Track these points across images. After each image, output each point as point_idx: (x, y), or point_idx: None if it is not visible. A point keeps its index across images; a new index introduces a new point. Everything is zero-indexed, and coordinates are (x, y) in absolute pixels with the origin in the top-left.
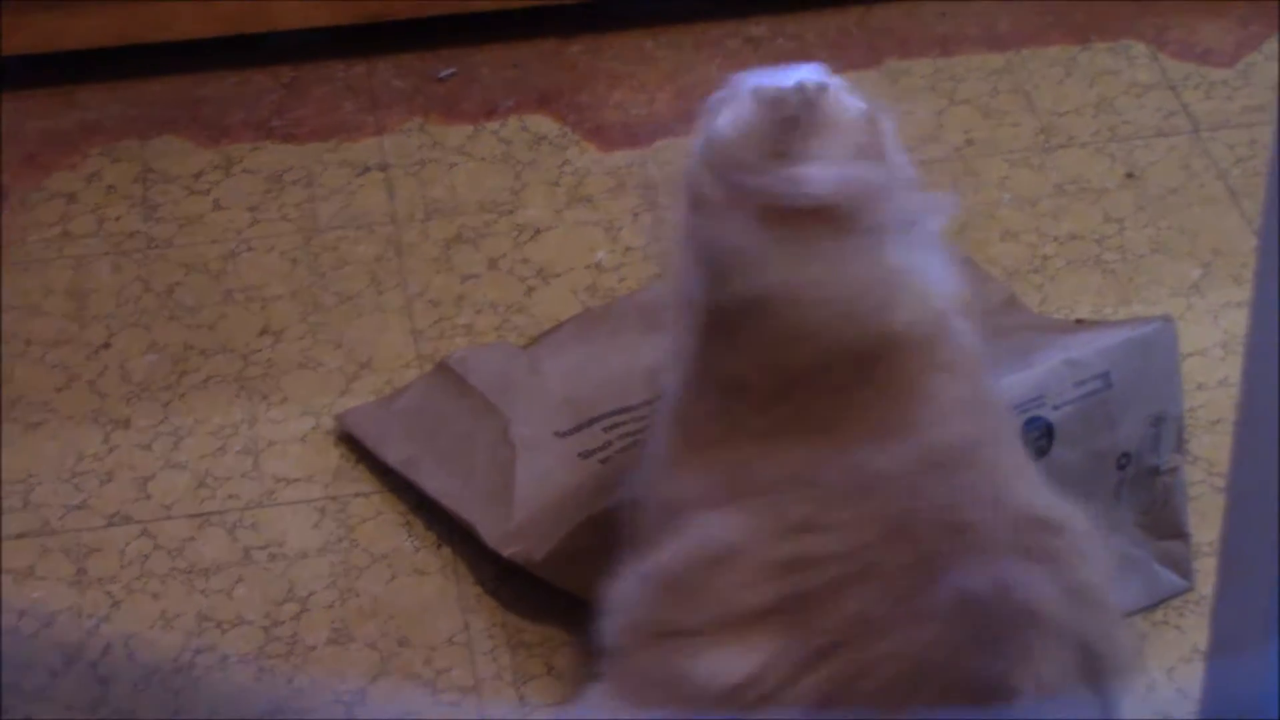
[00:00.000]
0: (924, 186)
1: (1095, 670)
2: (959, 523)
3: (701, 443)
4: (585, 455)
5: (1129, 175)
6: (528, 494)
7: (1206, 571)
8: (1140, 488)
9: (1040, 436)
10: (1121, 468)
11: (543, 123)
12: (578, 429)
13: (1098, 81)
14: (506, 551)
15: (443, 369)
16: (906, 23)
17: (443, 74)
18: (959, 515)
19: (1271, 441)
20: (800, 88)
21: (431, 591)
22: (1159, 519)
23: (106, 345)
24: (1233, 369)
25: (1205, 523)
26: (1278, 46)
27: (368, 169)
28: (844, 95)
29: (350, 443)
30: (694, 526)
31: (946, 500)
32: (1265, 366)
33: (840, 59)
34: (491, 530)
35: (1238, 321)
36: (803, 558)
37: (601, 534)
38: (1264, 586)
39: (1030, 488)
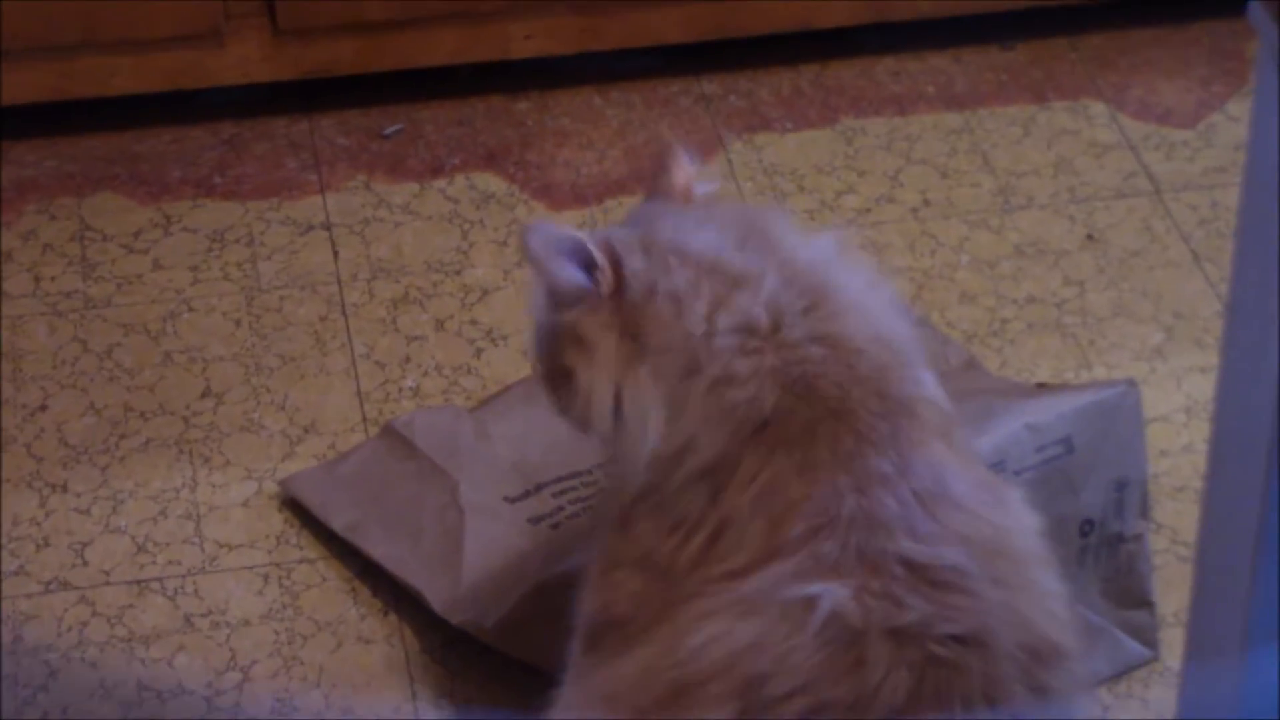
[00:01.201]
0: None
1: None
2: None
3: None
4: (535, 521)
5: (1089, 237)
6: (477, 560)
7: (1171, 642)
8: (1104, 555)
9: None
10: (1085, 534)
11: (490, 181)
12: (527, 494)
13: (1056, 141)
14: (456, 619)
15: (389, 432)
16: (861, 81)
17: (388, 131)
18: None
19: (1241, 510)
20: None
21: (378, 660)
22: (1123, 587)
23: (43, 407)
24: (1197, 435)
25: (1170, 591)
26: (1248, 105)
27: (311, 227)
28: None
29: (294, 508)
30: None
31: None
32: (1233, 432)
33: (794, 117)
34: (440, 597)
35: (1201, 387)
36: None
37: (552, 601)
38: (1233, 660)
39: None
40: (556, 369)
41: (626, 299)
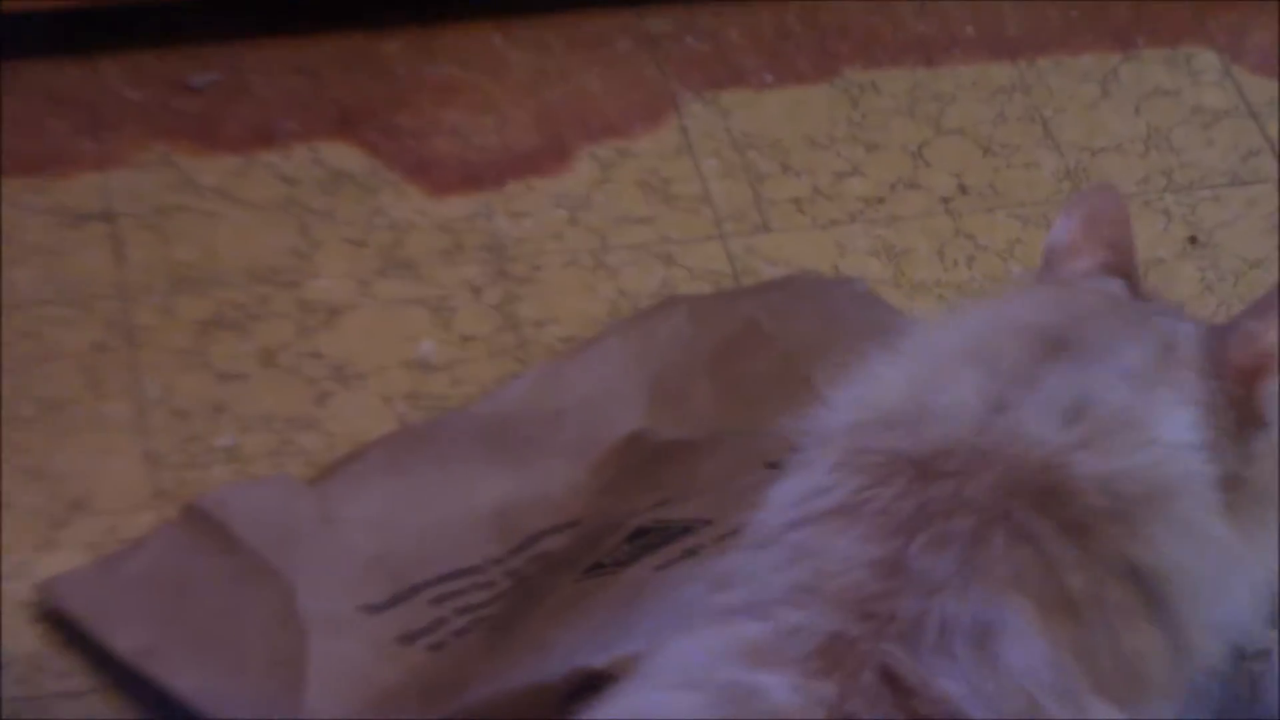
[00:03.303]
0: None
1: None
2: None
3: None
4: (407, 640)
5: (1193, 240)
6: (324, 696)
7: None
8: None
9: None
10: None
11: (344, 154)
12: (395, 602)
13: (1148, 105)
14: None
15: (195, 514)
16: (873, 18)
17: (197, 82)
18: None
19: None
20: None
21: None
22: (1248, 716)
23: None
24: None
25: None
26: None
27: (85, 218)
28: None
29: (57, 621)
30: None
31: None
32: None
33: (776, 67)
34: None
35: None
36: None
37: None
38: None
39: None
40: None
41: None
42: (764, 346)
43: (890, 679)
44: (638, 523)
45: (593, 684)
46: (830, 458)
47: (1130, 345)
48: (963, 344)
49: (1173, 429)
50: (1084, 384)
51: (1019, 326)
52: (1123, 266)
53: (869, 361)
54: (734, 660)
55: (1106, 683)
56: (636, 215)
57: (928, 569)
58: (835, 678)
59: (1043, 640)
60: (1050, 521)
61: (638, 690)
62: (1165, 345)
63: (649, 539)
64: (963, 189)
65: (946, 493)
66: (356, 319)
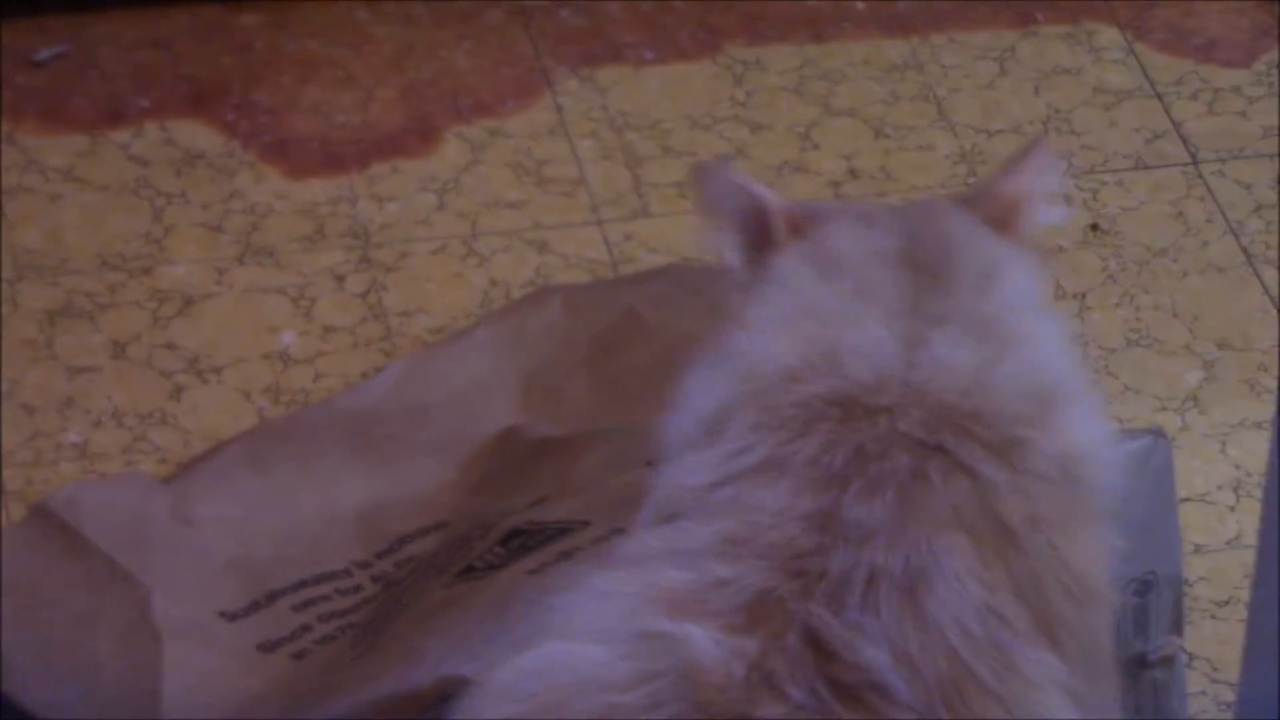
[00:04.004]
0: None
1: None
2: None
3: None
4: (268, 648)
5: (1094, 228)
6: (182, 707)
7: None
8: (1120, 686)
9: None
10: None
11: (198, 133)
12: (255, 607)
13: (1047, 85)
14: None
15: (42, 515)
16: None
17: (42, 55)
18: None
19: None
20: None
21: None
22: None
23: None
24: (1249, 523)
25: None
26: None
27: None
28: None
29: None
30: None
31: None
32: None
33: (656, 43)
34: None
35: (1256, 450)
36: None
37: None
38: None
39: None
40: None
41: None
42: (644, 339)
43: (814, 642)
44: (512, 524)
45: (463, 693)
46: (745, 420)
47: (967, 259)
48: (834, 286)
49: (1041, 325)
50: (970, 306)
51: (874, 255)
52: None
53: (729, 335)
54: (650, 610)
55: (1051, 612)
56: (508, 199)
57: (861, 518)
58: (758, 635)
59: (976, 583)
60: (979, 446)
61: (543, 641)
62: (981, 250)
63: (523, 540)
64: (853, 172)
65: (881, 430)
66: (213, 308)
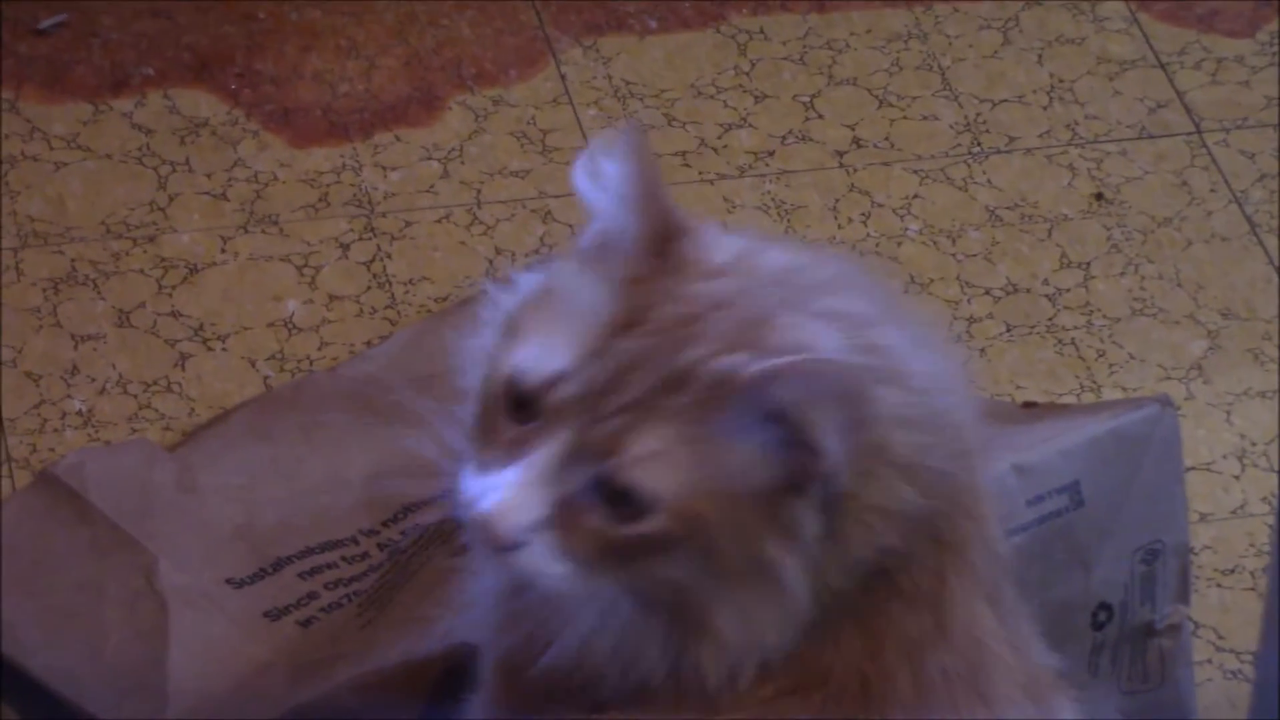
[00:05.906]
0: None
1: None
2: None
3: None
4: (274, 615)
5: (1098, 197)
6: (188, 674)
7: None
8: (1126, 655)
9: None
10: (1099, 625)
11: (202, 101)
12: (261, 575)
13: (1050, 54)
14: None
15: (48, 482)
16: None
17: (44, 24)
18: None
19: None
20: None
21: None
22: (1154, 701)
23: None
24: (1253, 491)
25: (1215, 715)
26: None
27: None
28: None
29: None
30: None
31: None
32: None
33: (659, 12)
34: None
35: (1261, 419)
36: None
37: None
38: None
39: None
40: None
41: None
42: None
43: None
44: None
45: (472, 662)
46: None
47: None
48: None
49: None
50: None
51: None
52: None
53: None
54: None
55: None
56: (512, 168)
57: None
58: None
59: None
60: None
61: None
62: None
63: None
64: (857, 142)
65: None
66: (217, 277)
